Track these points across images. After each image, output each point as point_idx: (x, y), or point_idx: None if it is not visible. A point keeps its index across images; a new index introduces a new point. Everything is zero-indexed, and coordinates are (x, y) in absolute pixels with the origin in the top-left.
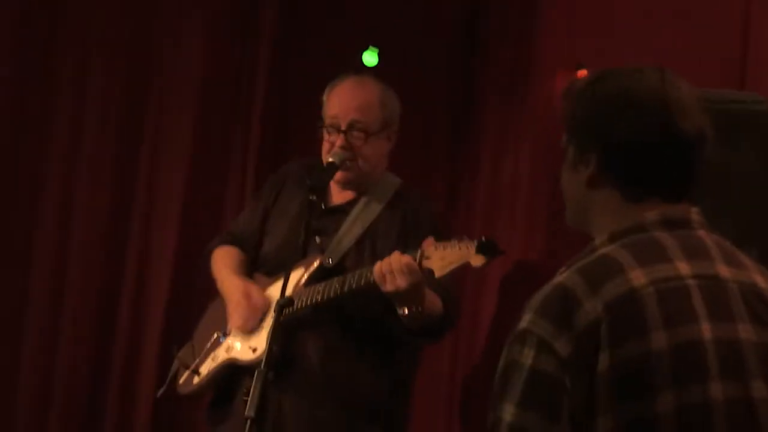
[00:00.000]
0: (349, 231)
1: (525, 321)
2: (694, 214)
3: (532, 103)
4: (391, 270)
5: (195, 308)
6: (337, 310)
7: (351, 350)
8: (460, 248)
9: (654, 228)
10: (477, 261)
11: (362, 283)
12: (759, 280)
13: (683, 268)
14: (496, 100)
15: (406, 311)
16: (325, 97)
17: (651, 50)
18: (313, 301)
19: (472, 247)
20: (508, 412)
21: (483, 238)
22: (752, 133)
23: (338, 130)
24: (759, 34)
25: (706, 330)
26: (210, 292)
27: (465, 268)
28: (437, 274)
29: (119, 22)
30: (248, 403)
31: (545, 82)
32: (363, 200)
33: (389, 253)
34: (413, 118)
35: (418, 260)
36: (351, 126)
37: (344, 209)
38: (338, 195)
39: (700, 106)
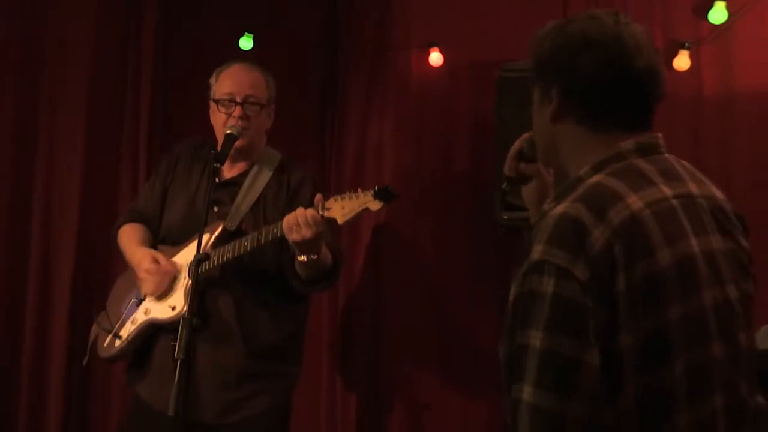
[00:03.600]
0: (244, 199)
1: (538, 252)
2: (661, 140)
3: (392, 76)
4: (297, 222)
5: (99, 284)
6: (241, 269)
7: (256, 303)
8: (357, 197)
9: (631, 155)
10: (375, 206)
11: (269, 238)
12: (716, 192)
13: (665, 190)
14: (361, 76)
15: (305, 258)
16: (213, 80)
17: (493, 29)
18: (225, 258)
19: (369, 194)
20: (537, 338)
21: (377, 187)
22: None
23: (235, 103)
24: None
25: (695, 244)
26: (113, 268)
27: (364, 213)
28: (340, 222)
29: (8, 16)
30: (177, 347)
31: (402, 59)
32: (252, 173)
33: (279, 216)
34: (287, 94)
35: (320, 213)
36: (246, 99)
37: (236, 182)
38: (229, 171)
39: (652, 45)
